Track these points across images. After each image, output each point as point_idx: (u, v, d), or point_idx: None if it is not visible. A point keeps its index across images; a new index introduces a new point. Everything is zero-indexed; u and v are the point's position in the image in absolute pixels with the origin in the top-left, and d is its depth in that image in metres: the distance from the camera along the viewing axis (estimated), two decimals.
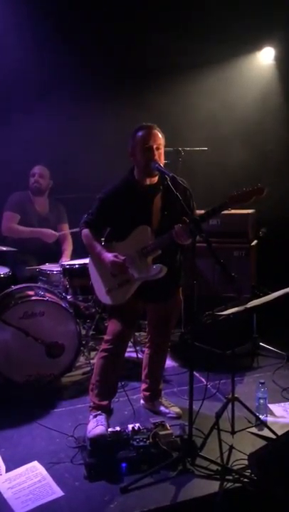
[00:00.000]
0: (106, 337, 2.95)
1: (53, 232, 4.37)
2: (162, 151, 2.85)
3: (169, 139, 2.99)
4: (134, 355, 3.95)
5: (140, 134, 2.83)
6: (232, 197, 2.58)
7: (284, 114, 5.00)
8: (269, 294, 2.98)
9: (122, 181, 2.93)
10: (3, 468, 2.61)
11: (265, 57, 5.08)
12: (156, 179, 2.89)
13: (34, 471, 2.56)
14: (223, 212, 4.00)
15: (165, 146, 2.97)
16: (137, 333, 4.24)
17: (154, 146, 2.79)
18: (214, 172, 4.71)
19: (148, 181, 2.89)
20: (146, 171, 2.83)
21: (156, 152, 2.79)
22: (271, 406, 3.19)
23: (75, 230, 4.09)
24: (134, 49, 4.66)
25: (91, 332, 4.09)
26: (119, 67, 4.69)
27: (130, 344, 4.06)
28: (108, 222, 2.98)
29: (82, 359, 3.94)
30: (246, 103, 4.97)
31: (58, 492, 2.41)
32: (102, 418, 2.80)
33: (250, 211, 4.19)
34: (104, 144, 4.55)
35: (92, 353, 3.92)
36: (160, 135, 2.84)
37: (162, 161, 2.83)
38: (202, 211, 2.71)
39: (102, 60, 4.65)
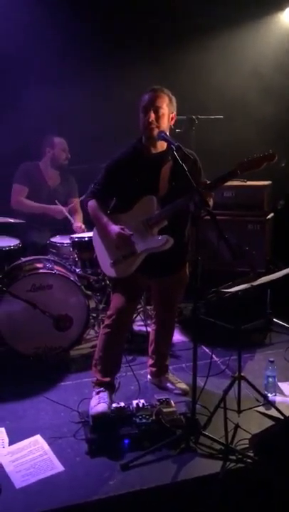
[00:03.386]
0: (109, 312, 2.89)
1: (62, 208, 4.24)
2: (165, 114, 2.72)
3: (182, 107, 2.86)
4: (144, 329, 3.90)
5: (143, 96, 2.74)
6: (241, 164, 2.45)
7: None
8: (283, 268, 2.87)
9: (129, 148, 2.82)
10: (7, 441, 2.61)
11: (288, 18, 4.79)
12: (164, 147, 2.78)
13: (36, 445, 2.56)
14: (237, 183, 3.99)
15: (178, 114, 2.85)
16: (148, 307, 4.18)
17: (152, 109, 2.68)
18: (230, 141, 4.52)
19: (154, 149, 2.78)
20: (146, 136, 2.75)
21: (152, 115, 2.68)
22: (281, 384, 3.12)
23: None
24: (148, 12, 4.43)
25: (101, 305, 4.05)
26: (132, 32, 4.48)
27: (140, 318, 4.05)
28: (114, 192, 2.88)
29: (92, 332, 3.93)
30: (267, 67, 4.72)
31: (58, 467, 2.40)
32: (104, 395, 2.77)
33: (266, 183, 4.02)
34: (116, 112, 4.39)
35: None
36: (166, 98, 2.73)
37: (164, 125, 2.72)
38: None
39: (115, 25, 4.45)
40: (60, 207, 4.21)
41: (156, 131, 2.68)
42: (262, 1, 4.59)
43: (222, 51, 4.68)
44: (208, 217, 2.36)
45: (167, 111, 2.72)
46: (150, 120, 2.68)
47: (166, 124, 2.73)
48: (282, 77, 4.73)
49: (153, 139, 2.73)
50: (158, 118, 2.69)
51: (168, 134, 2.71)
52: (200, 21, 4.50)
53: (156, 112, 2.68)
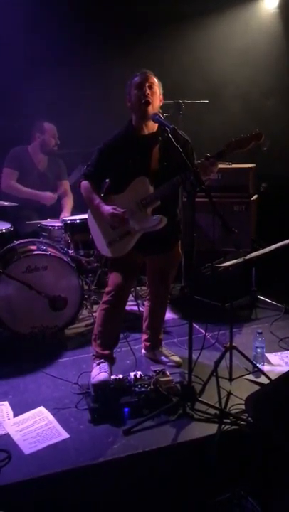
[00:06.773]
0: (107, 289, 3.01)
1: (52, 194, 4.31)
2: (157, 92, 2.85)
3: (169, 92, 2.95)
4: (135, 308, 4.04)
5: (134, 78, 2.86)
6: (230, 144, 2.58)
7: (287, 64, 4.89)
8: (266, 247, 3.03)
9: (121, 131, 2.93)
10: (11, 413, 2.73)
11: (269, 4, 4.93)
12: (155, 128, 2.89)
13: (40, 416, 2.68)
14: (223, 166, 4.12)
15: (165, 99, 2.96)
16: (138, 288, 4.32)
17: (146, 85, 2.80)
18: (216, 125, 4.65)
19: (146, 129, 2.89)
20: (139, 113, 2.83)
21: (148, 90, 2.80)
22: (268, 355, 3.30)
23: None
24: None
25: (93, 286, 4.16)
26: (120, 20, 4.54)
27: (132, 298, 4.17)
28: (107, 174, 2.99)
29: (84, 312, 4.04)
30: (248, 53, 4.85)
31: (64, 434, 2.53)
32: (105, 365, 2.91)
33: (250, 165, 4.17)
34: (104, 96, 4.47)
35: (95, 307, 3.99)
36: (155, 79, 2.86)
37: (156, 103, 2.85)
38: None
39: (103, 12, 4.49)
40: (49, 194, 4.29)
41: (150, 109, 2.79)
42: None
43: (209, 36, 4.79)
44: (203, 196, 2.50)
45: (158, 90, 2.86)
46: (146, 93, 2.78)
47: (157, 103, 2.86)
48: (260, 62, 4.87)
49: (146, 118, 2.82)
50: (152, 93, 2.81)
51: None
52: (184, 8, 4.58)
53: (151, 87, 2.81)
